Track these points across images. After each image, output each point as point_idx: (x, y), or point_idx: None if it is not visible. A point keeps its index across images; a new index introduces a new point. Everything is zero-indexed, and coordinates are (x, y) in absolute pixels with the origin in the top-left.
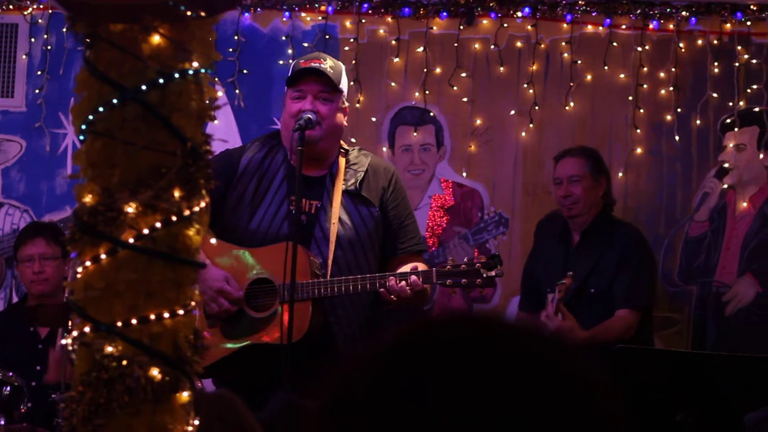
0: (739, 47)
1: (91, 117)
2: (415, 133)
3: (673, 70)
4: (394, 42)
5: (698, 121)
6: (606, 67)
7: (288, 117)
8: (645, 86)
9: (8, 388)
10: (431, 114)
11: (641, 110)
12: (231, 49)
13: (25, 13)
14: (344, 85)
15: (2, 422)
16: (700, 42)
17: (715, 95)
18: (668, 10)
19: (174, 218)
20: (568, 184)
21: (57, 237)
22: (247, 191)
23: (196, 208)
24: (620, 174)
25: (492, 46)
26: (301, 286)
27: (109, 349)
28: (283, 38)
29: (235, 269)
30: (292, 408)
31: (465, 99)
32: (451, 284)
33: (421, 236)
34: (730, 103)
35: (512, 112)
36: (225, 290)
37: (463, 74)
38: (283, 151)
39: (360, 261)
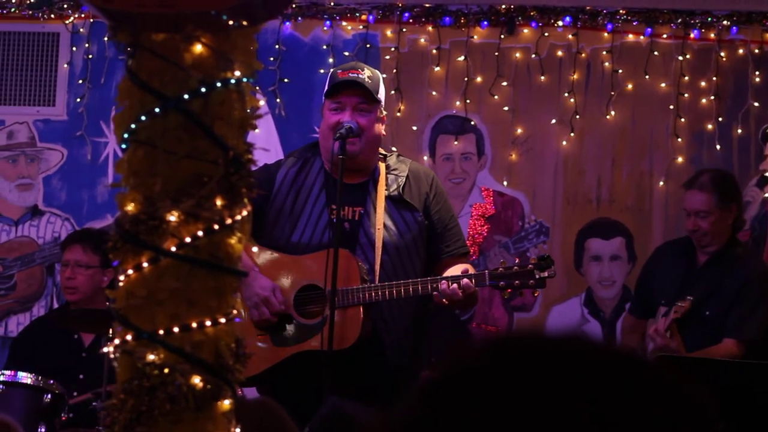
0: None
1: (133, 126)
2: (455, 142)
3: (714, 79)
4: (434, 51)
5: (739, 130)
6: (647, 76)
7: (326, 128)
8: (686, 95)
9: (49, 396)
10: (472, 123)
11: (682, 119)
12: (272, 58)
13: (67, 22)
14: (382, 94)
15: (43, 430)
16: (741, 51)
17: (756, 104)
18: (709, 19)
19: (216, 227)
20: (696, 217)
21: (97, 246)
22: (285, 205)
23: (238, 217)
24: (661, 183)
25: (533, 56)
26: (352, 291)
27: (151, 357)
28: (324, 47)
29: (283, 276)
30: (339, 416)
31: (506, 108)
32: (504, 286)
33: (465, 239)
34: None
35: (553, 121)
36: (270, 301)
37: (504, 83)
38: (320, 160)
39: (406, 266)
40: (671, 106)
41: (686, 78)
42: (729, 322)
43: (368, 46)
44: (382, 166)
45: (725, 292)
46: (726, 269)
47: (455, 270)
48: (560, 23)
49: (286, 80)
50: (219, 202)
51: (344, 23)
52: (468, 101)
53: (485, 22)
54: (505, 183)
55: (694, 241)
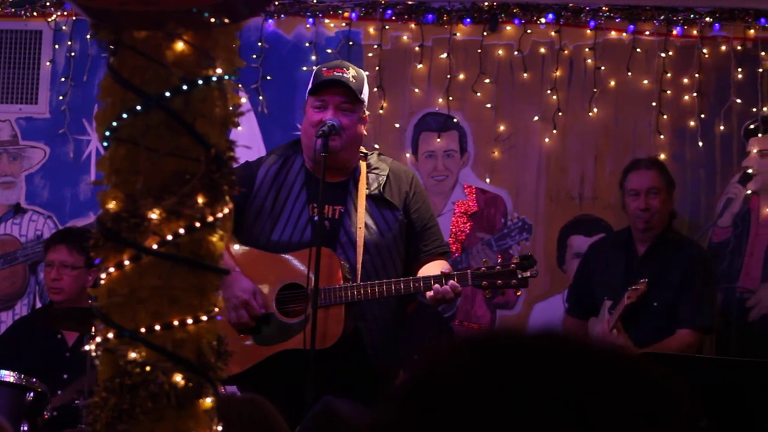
0: (763, 53)
1: (114, 123)
2: (438, 140)
3: (697, 76)
4: (417, 48)
5: (722, 127)
6: (629, 73)
7: (309, 126)
8: (668, 92)
9: (32, 394)
10: (455, 120)
11: (665, 116)
12: (255, 56)
13: (49, 19)
14: (365, 94)
15: (25, 428)
16: (723, 48)
17: (738, 101)
18: (692, 16)
19: (197, 224)
20: (647, 196)
21: (82, 246)
22: (266, 203)
23: (220, 215)
24: None
25: (515, 53)
26: (335, 290)
27: (133, 355)
28: (307, 45)
29: (265, 274)
30: (329, 416)
31: (488, 105)
32: (487, 286)
33: (444, 238)
34: (754, 109)
35: (536, 118)
36: (250, 304)
37: (487, 80)
38: (301, 158)
39: (387, 265)
40: (654, 103)
41: (669, 75)
42: (681, 312)
43: (351, 43)
44: (362, 165)
45: (669, 281)
46: (666, 256)
47: (433, 266)
48: (543, 20)
49: (268, 78)
50: (201, 200)
51: (327, 20)
52: (451, 98)
53: (468, 19)
54: (487, 180)
55: (640, 225)
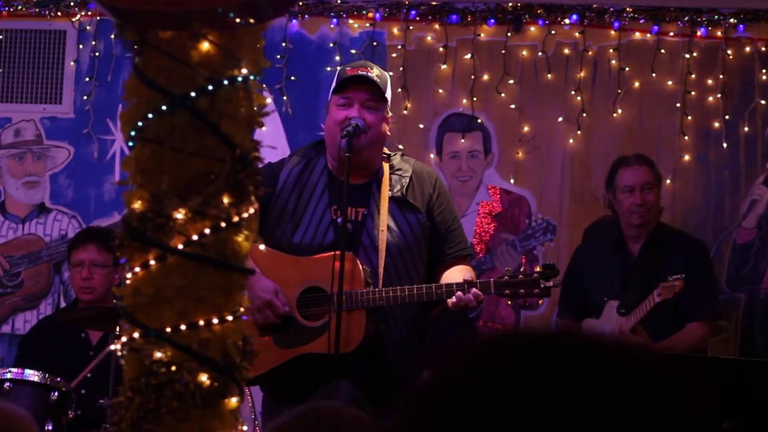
0: None
1: (140, 123)
2: (462, 140)
3: (721, 77)
4: (441, 49)
5: (746, 128)
6: (654, 74)
7: (333, 124)
8: (693, 93)
9: (56, 394)
10: (479, 121)
11: (689, 117)
12: (279, 56)
13: (73, 19)
14: (389, 94)
15: (50, 428)
16: (748, 49)
17: (763, 102)
18: (716, 17)
19: (223, 224)
20: (642, 192)
21: (110, 244)
22: (288, 205)
23: (245, 215)
24: (668, 181)
25: (539, 53)
26: (357, 294)
27: (158, 354)
28: (331, 45)
29: (286, 277)
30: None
31: (512, 106)
32: (509, 294)
33: (467, 240)
34: None
35: (560, 119)
36: (274, 303)
37: (511, 81)
38: (324, 160)
39: (409, 268)
40: (678, 104)
41: (693, 76)
42: (688, 305)
43: (375, 44)
44: (385, 166)
45: (672, 275)
46: (662, 252)
47: (456, 272)
48: (567, 21)
49: (292, 78)
50: (226, 200)
51: (351, 21)
52: (475, 99)
53: (492, 20)
54: (511, 181)
55: (636, 220)
